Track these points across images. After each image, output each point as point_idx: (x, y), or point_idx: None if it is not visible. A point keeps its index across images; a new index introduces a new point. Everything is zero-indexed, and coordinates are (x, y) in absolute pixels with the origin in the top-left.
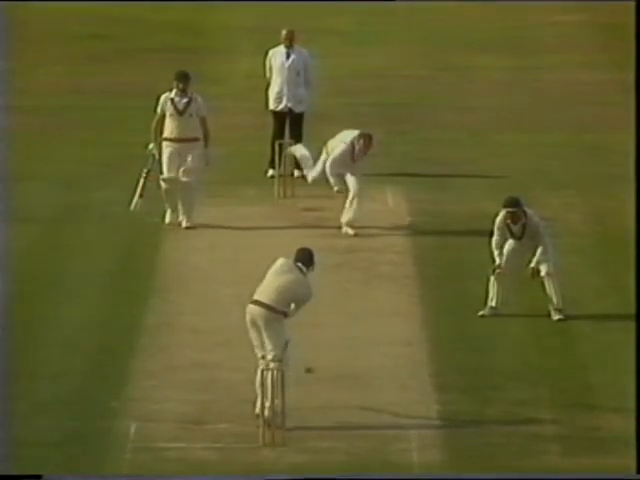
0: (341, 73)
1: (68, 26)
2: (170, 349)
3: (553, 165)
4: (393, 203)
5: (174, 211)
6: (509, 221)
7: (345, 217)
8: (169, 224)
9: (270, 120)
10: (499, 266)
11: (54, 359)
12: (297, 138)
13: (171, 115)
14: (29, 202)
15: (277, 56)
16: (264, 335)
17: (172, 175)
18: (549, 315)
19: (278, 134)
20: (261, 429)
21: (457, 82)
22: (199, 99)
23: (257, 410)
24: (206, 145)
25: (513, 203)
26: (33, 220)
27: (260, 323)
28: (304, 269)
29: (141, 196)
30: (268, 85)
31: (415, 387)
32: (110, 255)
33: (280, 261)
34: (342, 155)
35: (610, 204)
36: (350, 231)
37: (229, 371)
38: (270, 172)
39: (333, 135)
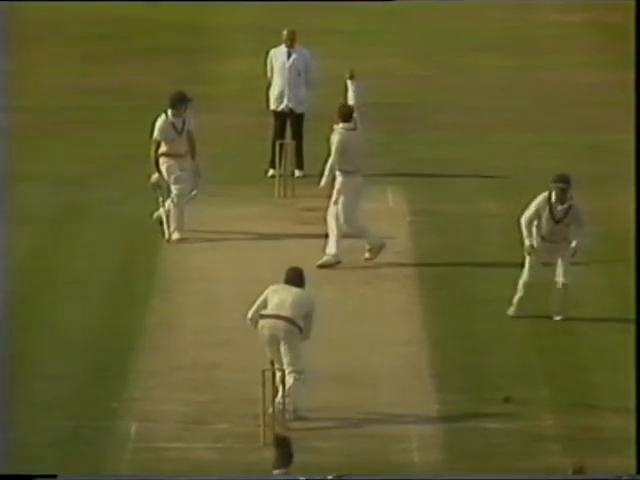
0: (342, 73)
1: (68, 26)
2: (170, 349)
3: (553, 165)
4: (393, 203)
5: (180, 229)
6: (555, 199)
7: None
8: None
9: (271, 120)
10: (531, 247)
11: (54, 359)
12: (298, 138)
13: (172, 138)
14: (29, 202)
15: (278, 56)
16: (284, 349)
17: (182, 187)
18: (549, 316)
19: (279, 134)
20: (262, 429)
21: (458, 82)
22: (190, 116)
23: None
24: (193, 157)
25: (564, 179)
26: (33, 220)
27: (282, 337)
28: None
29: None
30: (269, 85)
31: (416, 387)
32: (110, 255)
33: (273, 286)
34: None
35: (610, 204)
36: (368, 255)
37: (229, 371)
38: (270, 172)
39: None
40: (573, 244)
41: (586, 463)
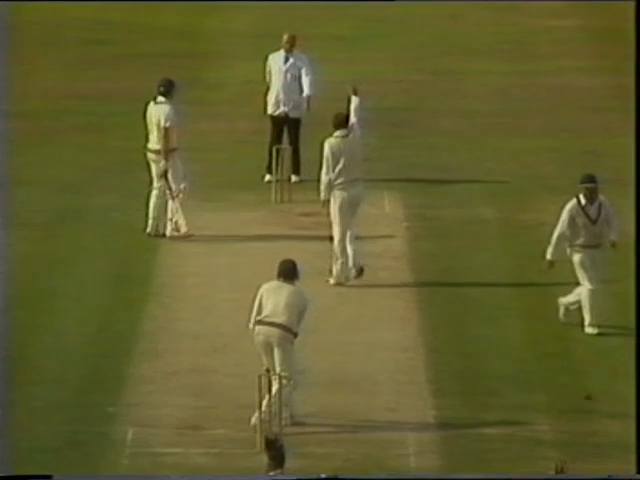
0: (338, 78)
1: (66, 31)
2: (167, 354)
3: (550, 170)
4: (390, 208)
5: (177, 230)
6: (586, 200)
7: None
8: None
9: (268, 125)
10: (550, 263)
11: (52, 364)
12: (294, 143)
13: (175, 125)
14: (27, 207)
15: (276, 60)
16: (277, 356)
17: (179, 186)
18: (555, 321)
19: (276, 139)
20: (258, 435)
21: (454, 87)
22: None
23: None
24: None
25: (592, 179)
26: (31, 225)
27: (275, 344)
28: (292, 281)
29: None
30: (267, 90)
31: (412, 392)
32: (107, 260)
33: (267, 285)
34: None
35: None
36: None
37: (226, 376)
38: (267, 177)
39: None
40: (612, 236)
41: (567, 464)
